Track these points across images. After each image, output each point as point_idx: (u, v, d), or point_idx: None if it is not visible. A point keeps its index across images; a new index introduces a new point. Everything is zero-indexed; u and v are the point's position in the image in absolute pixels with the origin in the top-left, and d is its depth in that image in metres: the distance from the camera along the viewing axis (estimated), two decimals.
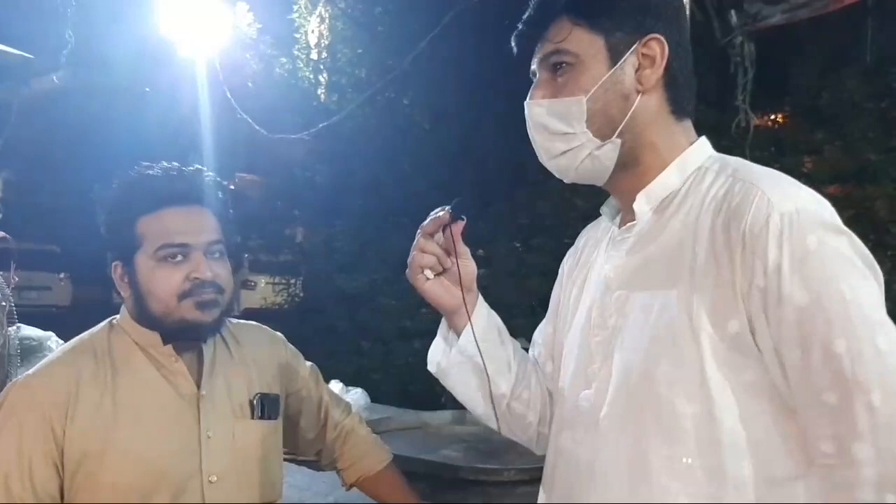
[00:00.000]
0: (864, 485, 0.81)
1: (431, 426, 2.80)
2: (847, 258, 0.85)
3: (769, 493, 0.86)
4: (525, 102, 1.03)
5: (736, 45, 3.30)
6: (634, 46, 0.97)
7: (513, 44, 1.05)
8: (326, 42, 5.84)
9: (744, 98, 3.27)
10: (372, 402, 3.03)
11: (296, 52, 5.98)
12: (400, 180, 5.68)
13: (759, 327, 0.86)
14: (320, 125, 4.86)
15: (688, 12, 2.61)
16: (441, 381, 1.20)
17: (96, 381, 1.29)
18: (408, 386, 3.97)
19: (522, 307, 4.83)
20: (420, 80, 5.35)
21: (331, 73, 5.90)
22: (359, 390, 2.99)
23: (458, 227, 1.09)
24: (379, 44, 5.59)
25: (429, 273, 1.12)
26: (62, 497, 1.25)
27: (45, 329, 3.80)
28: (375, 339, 5.55)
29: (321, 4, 5.81)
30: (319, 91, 5.93)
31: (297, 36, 5.94)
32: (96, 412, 1.26)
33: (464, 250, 1.12)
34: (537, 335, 1.26)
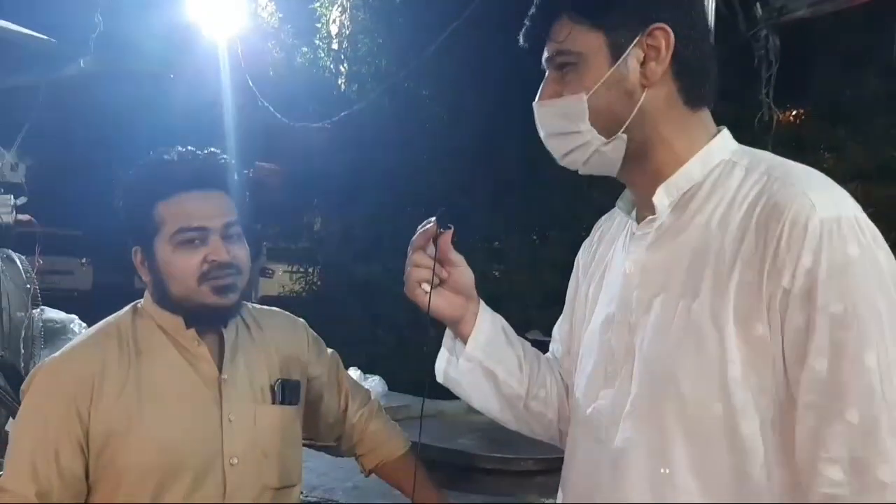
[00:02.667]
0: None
1: (448, 415, 2.82)
2: (885, 272, 0.82)
3: (792, 498, 0.84)
4: (533, 103, 1.02)
5: (760, 38, 3.26)
6: (637, 39, 0.93)
7: (521, 41, 1.03)
8: (347, 32, 5.86)
9: (767, 92, 3.24)
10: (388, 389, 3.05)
11: (317, 42, 6.00)
12: (417, 170, 5.69)
13: (776, 330, 0.83)
14: (340, 114, 4.88)
15: (713, 5, 2.59)
16: (453, 391, 1.19)
17: (120, 364, 1.31)
18: (423, 374, 3.98)
19: (538, 299, 4.84)
20: (439, 71, 5.35)
21: (351, 63, 5.92)
22: (377, 378, 3.01)
23: (447, 236, 1.09)
24: (399, 35, 5.59)
25: (426, 286, 1.12)
26: (87, 477, 1.28)
27: (67, 312, 3.87)
28: (390, 327, 5.58)
29: None
30: (340, 81, 5.95)
31: (318, 26, 5.96)
32: (120, 395, 1.29)
33: (457, 259, 1.11)
34: (555, 331, 1.25)
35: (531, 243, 5.87)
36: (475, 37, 4.62)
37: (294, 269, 8.10)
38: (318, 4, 5.97)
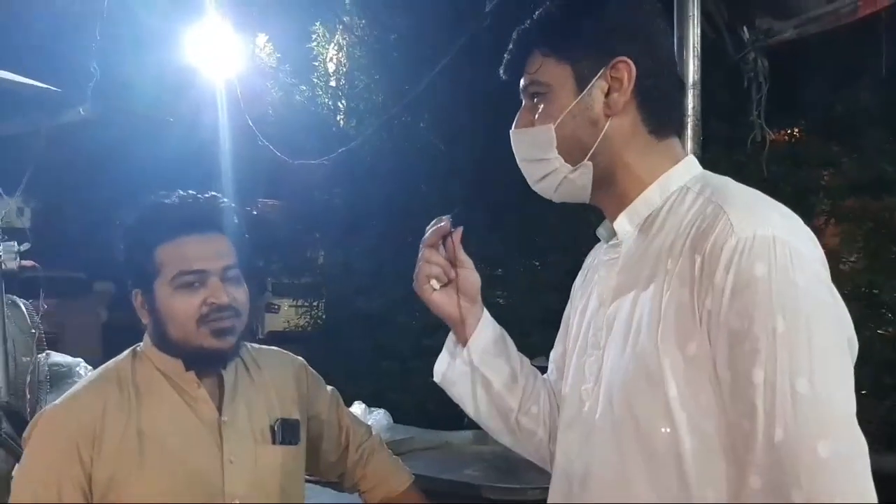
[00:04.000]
0: None
1: (453, 446, 2.81)
2: (797, 292, 0.83)
3: None
4: (510, 131, 1.08)
5: (749, 60, 3.30)
6: (602, 71, 0.99)
7: (501, 73, 1.09)
8: (344, 69, 5.95)
9: (758, 113, 3.27)
10: (394, 422, 3.05)
11: (314, 80, 6.09)
12: (416, 200, 5.72)
13: (706, 349, 0.87)
14: (339, 150, 4.94)
15: (699, 30, 2.64)
16: (448, 393, 1.22)
17: (121, 408, 1.33)
18: (428, 405, 3.98)
19: (539, 324, 4.83)
20: (435, 102, 5.40)
21: (349, 100, 6.00)
22: (381, 411, 3.01)
23: (457, 236, 1.14)
24: (395, 69, 5.67)
25: (435, 283, 1.15)
26: None
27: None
28: (395, 358, 5.57)
29: (338, 33, 5.93)
30: (338, 117, 6.03)
31: (316, 64, 6.06)
32: (122, 438, 1.30)
33: (466, 260, 1.16)
34: (552, 355, 1.28)
35: (532, 268, 5.87)
36: (468, 67, 4.69)
37: (299, 303, 8.12)
38: (314, 43, 6.06)
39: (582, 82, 0.99)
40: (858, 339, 0.89)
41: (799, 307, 0.82)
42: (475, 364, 1.17)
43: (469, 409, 1.22)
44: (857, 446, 0.81)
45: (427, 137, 5.77)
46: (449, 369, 1.20)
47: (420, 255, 1.15)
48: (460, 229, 1.14)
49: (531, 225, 5.56)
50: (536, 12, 1.06)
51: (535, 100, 1.03)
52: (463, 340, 1.18)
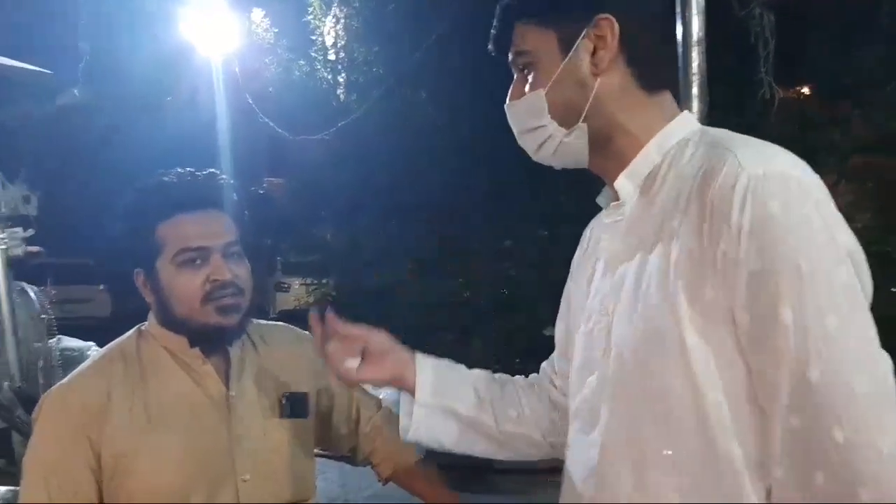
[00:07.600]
0: (786, 458, 0.80)
1: None
2: (814, 229, 0.81)
3: (763, 473, 0.83)
4: (504, 106, 1.07)
5: (755, 16, 3.24)
6: (585, 32, 0.97)
7: (490, 50, 1.09)
8: (342, 42, 5.89)
9: (766, 70, 3.21)
10: None
11: (313, 54, 6.03)
12: (419, 174, 5.69)
13: (722, 292, 0.83)
14: (339, 124, 4.90)
15: None
16: (427, 446, 1.20)
17: (127, 386, 1.32)
18: None
19: (548, 296, 4.82)
20: (436, 74, 5.35)
21: (348, 73, 5.95)
22: None
23: (331, 317, 1.15)
24: (394, 40, 5.61)
25: (352, 363, 1.15)
26: (101, 500, 1.29)
27: (87, 340, 3.91)
28: (405, 334, 5.60)
29: (335, 5, 5.85)
30: (338, 91, 5.97)
31: (314, 38, 5.99)
32: (128, 416, 1.29)
33: (358, 327, 1.16)
34: (556, 333, 1.25)
35: (542, 239, 5.85)
36: (468, 36, 4.63)
37: (309, 281, 8.15)
38: (311, 17, 5.99)
39: (566, 45, 0.98)
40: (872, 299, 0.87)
41: (818, 243, 0.81)
42: (432, 404, 1.16)
43: (450, 447, 1.20)
44: (888, 376, 0.80)
45: (429, 110, 5.72)
46: (414, 422, 1.17)
47: (324, 357, 1.16)
48: (331, 313, 1.15)
49: (538, 195, 5.53)
50: None
51: (525, 70, 1.03)
52: (411, 391, 1.17)
